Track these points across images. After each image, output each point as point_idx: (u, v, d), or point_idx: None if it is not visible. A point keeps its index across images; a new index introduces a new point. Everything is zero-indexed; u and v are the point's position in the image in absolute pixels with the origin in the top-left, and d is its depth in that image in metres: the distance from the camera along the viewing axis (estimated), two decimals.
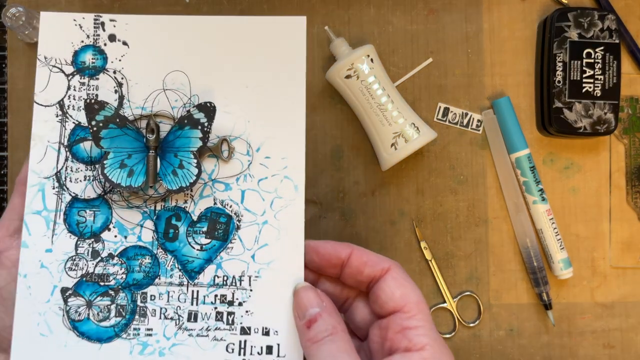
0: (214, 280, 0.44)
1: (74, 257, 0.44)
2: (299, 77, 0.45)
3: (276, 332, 0.43)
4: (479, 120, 0.49)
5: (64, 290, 0.43)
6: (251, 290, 0.44)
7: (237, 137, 0.45)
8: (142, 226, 0.44)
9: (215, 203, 0.45)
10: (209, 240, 0.44)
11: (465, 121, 0.49)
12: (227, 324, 0.43)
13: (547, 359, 0.50)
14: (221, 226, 0.44)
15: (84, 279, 0.43)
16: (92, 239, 0.44)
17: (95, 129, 0.43)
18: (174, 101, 0.45)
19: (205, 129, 0.44)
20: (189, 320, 0.43)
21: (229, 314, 0.43)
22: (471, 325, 0.50)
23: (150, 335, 0.43)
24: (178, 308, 0.43)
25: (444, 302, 0.49)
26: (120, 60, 0.45)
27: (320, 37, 0.51)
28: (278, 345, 0.43)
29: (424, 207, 0.49)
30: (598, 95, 0.47)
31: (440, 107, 0.48)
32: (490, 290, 0.49)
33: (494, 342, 0.50)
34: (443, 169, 0.49)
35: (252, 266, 0.44)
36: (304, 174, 0.45)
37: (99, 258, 0.44)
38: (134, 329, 0.43)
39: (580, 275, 0.50)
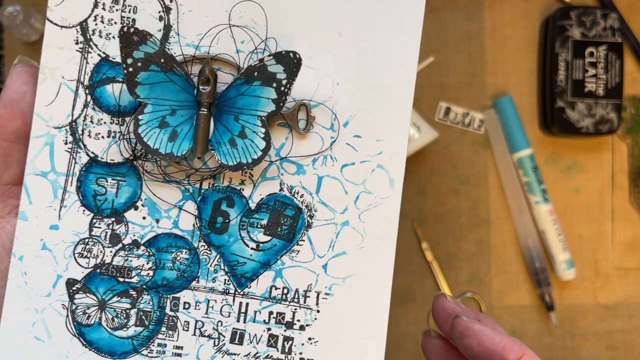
0: (270, 292, 0.33)
1: (86, 240, 0.32)
2: (413, 35, 0.33)
3: None
4: (480, 120, 0.49)
5: (70, 283, 0.32)
6: (318, 311, 0.33)
7: (319, 103, 0.33)
8: (181, 208, 0.33)
9: (281, 189, 0.33)
10: (268, 238, 0.33)
11: (466, 121, 0.49)
12: (283, 352, 0.33)
13: None
14: (287, 221, 0.33)
15: (98, 270, 0.32)
16: (113, 218, 0.33)
17: (131, 69, 0.31)
18: (241, 43, 0.33)
19: (283, 88, 0.32)
20: (232, 341, 0.33)
21: (286, 339, 0.33)
22: None
23: (179, 355, 0.33)
24: (219, 324, 0.33)
25: None
26: None
27: None
28: None
29: (425, 207, 0.49)
30: (601, 94, 0.47)
31: (441, 107, 0.48)
32: (492, 291, 0.49)
33: None
34: (444, 169, 0.49)
35: (322, 279, 0.33)
36: (404, 165, 0.33)
37: (120, 245, 0.33)
38: (159, 344, 0.32)
39: (582, 276, 0.50)
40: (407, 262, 0.48)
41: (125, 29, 0.30)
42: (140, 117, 0.31)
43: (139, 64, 0.31)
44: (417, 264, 0.49)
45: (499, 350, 0.29)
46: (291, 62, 0.31)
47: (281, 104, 0.32)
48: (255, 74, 0.32)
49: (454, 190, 0.49)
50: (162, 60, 0.31)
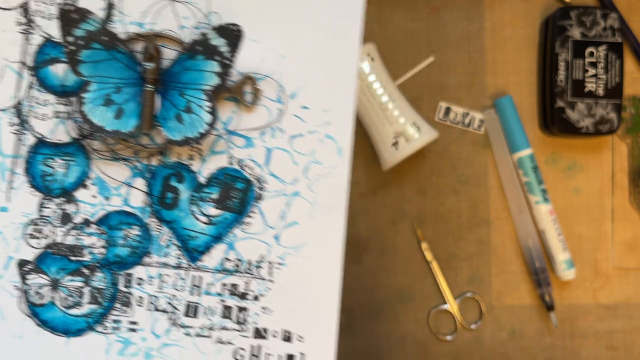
0: (223, 264, 0.33)
1: (36, 221, 0.32)
2: (355, 5, 0.33)
3: (300, 338, 0.33)
4: (480, 120, 0.49)
5: (22, 264, 0.32)
6: (271, 281, 0.33)
7: (265, 76, 0.34)
8: (130, 185, 0.33)
9: (230, 163, 0.34)
10: (219, 212, 0.33)
11: (466, 121, 0.49)
12: (237, 323, 0.33)
13: None
14: (237, 194, 0.33)
15: (50, 250, 0.32)
16: (63, 198, 0.33)
17: (72, 47, 0.31)
18: (184, 19, 0.33)
19: (226, 61, 0.32)
20: (186, 314, 0.33)
21: (241, 309, 0.33)
22: (473, 327, 0.49)
23: (134, 330, 0.33)
24: (173, 298, 0.33)
25: (445, 303, 0.49)
26: None
27: None
28: (302, 355, 0.33)
29: (425, 207, 0.49)
30: (601, 94, 0.47)
31: (441, 107, 0.49)
32: (492, 291, 0.50)
33: (495, 344, 0.50)
34: (444, 169, 0.49)
35: (275, 250, 0.33)
36: (351, 134, 0.34)
37: (71, 224, 0.33)
38: (114, 321, 0.33)
39: (582, 276, 0.50)
40: (407, 262, 0.48)
41: (64, 6, 0.30)
42: (84, 95, 0.32)
43: (81, 42, 0.31)
44: (417, 264, 0.49)
45: None
46: (232, 35, 0.32)
47: (226, 77, 0.32)
48: (199, 48, 0.32)
49: (454, 190, 0.49)
50: (105, 38, 0.31)
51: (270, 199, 0.34)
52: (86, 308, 0.33)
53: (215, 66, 0.32)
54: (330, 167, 0.34)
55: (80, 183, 0.33)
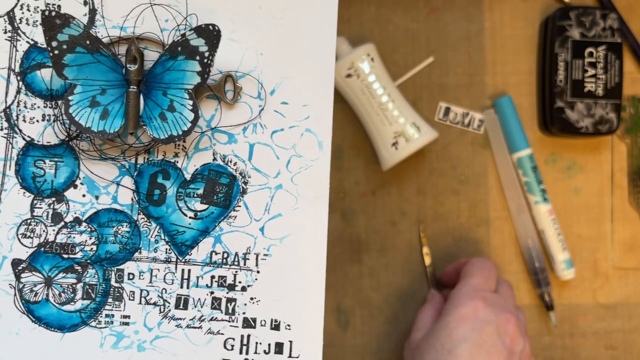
0: (211, 257, 0.34)
1: (29, 221, 0.34)
2: (331, 1, 0.34)
3: (288, 326, 0.34)
4: (480, 120, 0.49)
5: (15, 263, 0.33)
6: (258, 272, 0.34)
7: (245, 74, 0.35)
8: (118, 184, 0.34)
9: (215, 159, 0.35)
10: (205, 206, 0.34)
11: (466, 121, 0.49)
12: (227, 313, 0.34)
13: None
14: (222, 189, 0.35)
15: (42, 249, 0.34)
16: (53, 198, 0.34)
17: (56, 52, 0.32)
18: (165, 21, 0.34)
19: (206, 60, 0.33)
20: (177, 307, 0.34)
21: (229, 300, 0.34)
22: None
23: (127, 324, 0.34)
24: (163, 291, 0.34)
25: None
26: None
27: None
28: (290, 342, 0.34)
29: (425, 207, 0.49)
30: (600, 94, 0.48)
31: (441, 107, 0.49)
32: None
33: None
34: (444, 169, 0.49)
35: (260, 241, 0.34)
36: (330, 127, 0.35)
37: (62, 223, 0.34)
38: (107, 315, 0.34)
39: (582, 276, 0.50)
40: (407, 262, 0.49)
41: (47, 12, 0.32)
42: (70, 97, 0.33)
43: (65, 47, 0.32)
44: (417, 264, 0.49)
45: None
46: (211, 35, 0.33)
47: (206, 76, 0.33)
48: (179, 49, 0.33)
49: (454, 190, 0.49)
50: (88, 42, 0.33)
51: (255, 193, 0.35)
52: (79, 304, 0.34)
53: (195, 65, 0.33)
54: (312, 160, 0.35)
55: (70, 183, 0.34)
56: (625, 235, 0.50)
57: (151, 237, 0.34)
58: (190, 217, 0.35)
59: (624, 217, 0.50)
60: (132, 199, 0.34)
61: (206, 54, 0.33)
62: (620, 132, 0.50)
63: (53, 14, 0.32)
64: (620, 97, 0.48)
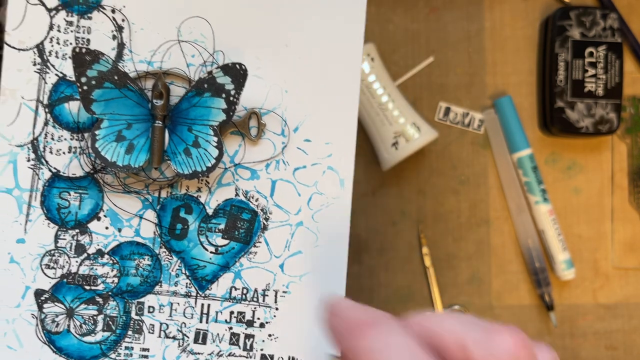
0: (230, 293, 0.34)
1: (52, 252, 0.34)
2: (355, 40, 0.35)
3: None
4: (480, 120, 0.49)
5: (38, 294, 0.34)
6: (277, 309, 0.34)
7: (269, 110, 0.35)
8: (141, 217, 0.34)
9: (237, 194, 0.35)
10: (226, 242, 0.35)
11: (466, 121, 0.49)
12: (244, 349, 0.34)
13: None
14: (243, 224, 0.35)
15: (65, 280, 0.34)
16: (77, 230, 0.34)
17: (85, 87, 0.32)
18: (191, 57, 0.35)
19: (232, 98, 0.33)
20: (195, 341, 0.34)
21: (247, 337, 0.34)
22: None
23: (146, 357, 0.34)
24: (183, 325, 0.34)
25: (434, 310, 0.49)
26: None
27: None
28: None
29: (425, 207, 0.49)
30: (600, 94, 0.47)
31: (441, 107, 0.49)
32: (492, 291, 0.50)
33: None
34: (444, 169, 0.49)
35: (279, 278, 0.35)
36: (352, 166, 0.35)
37: (85, 255, 0.34)
38: (126, 347, 0.34)
39: (582, 276, 0.50)
40: (407, 262, 0.48)
41: (77, 49, 0.32)
42: (97, 132, 0.33)
43: (93, 82, 0.33)
44: (417, 264, 0.49)
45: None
46: (238, 73, 0.33)
47: (231, 113, 0.34)
48: (205, 86, 0.33)
49: (454, 190, 0.49)
50: (116, 77, 0.33)
51: (275, 229, 0.35)
52: (100, 335, 0.34)
53: (221, 103, 0.33)
54: (333, 198, 0.35)
55: (94, 215, 0.35)
56: (625, 235, 0.50)
57: (172, 270, 0.35)
58: (211, 252, 0.35)
59: (624, 217, 0.50)
60: (154, 233, 0.35)
61: (232, 92, 0.33)
62: (621, 132, 0.50)
63: (83, 50, 0.32)
64: (621, 97, 0.48)
